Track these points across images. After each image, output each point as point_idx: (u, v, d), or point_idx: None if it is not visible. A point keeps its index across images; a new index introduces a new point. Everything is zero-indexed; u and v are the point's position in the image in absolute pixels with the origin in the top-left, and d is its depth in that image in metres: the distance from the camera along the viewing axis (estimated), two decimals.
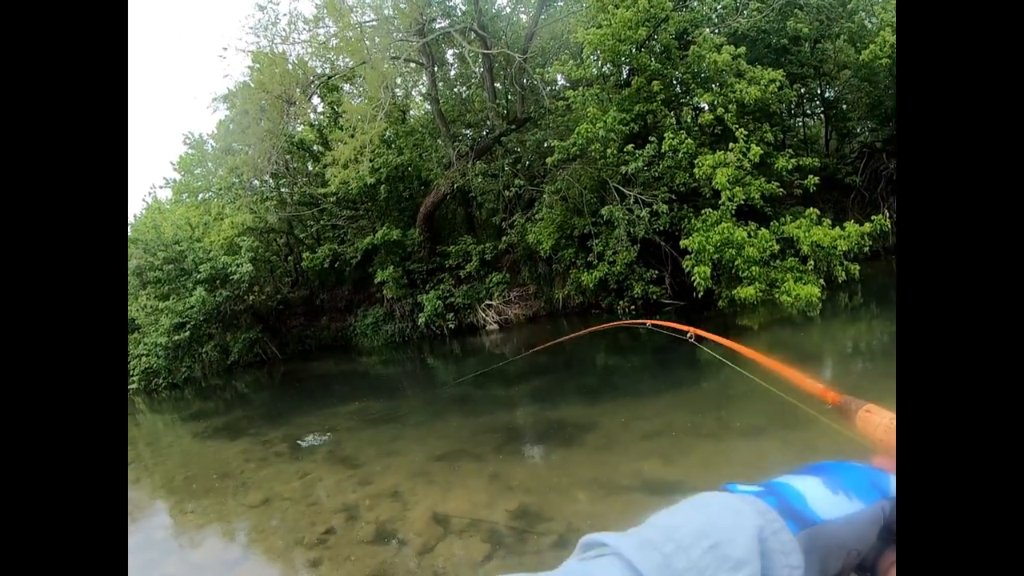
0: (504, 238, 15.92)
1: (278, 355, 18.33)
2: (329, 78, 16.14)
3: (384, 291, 17.01)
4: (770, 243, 11.52)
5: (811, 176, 12.39)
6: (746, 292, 11.15)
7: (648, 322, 3.43)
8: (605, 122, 12.55)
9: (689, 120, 13.08)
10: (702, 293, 11.74)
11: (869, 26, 15.19)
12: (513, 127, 15.82)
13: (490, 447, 6.91)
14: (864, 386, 7.21)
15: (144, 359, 16.63)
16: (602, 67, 15.18)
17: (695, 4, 14.13)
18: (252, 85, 16.12)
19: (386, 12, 14.85)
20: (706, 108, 13.35)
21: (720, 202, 11.84)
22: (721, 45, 12.60)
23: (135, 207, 26.17)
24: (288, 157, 17.83)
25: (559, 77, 15.99)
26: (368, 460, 7.12)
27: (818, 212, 11.97)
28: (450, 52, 17.61)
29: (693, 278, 11.77)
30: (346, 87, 17.78)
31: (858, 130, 18.17)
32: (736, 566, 0.50)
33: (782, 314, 10.97)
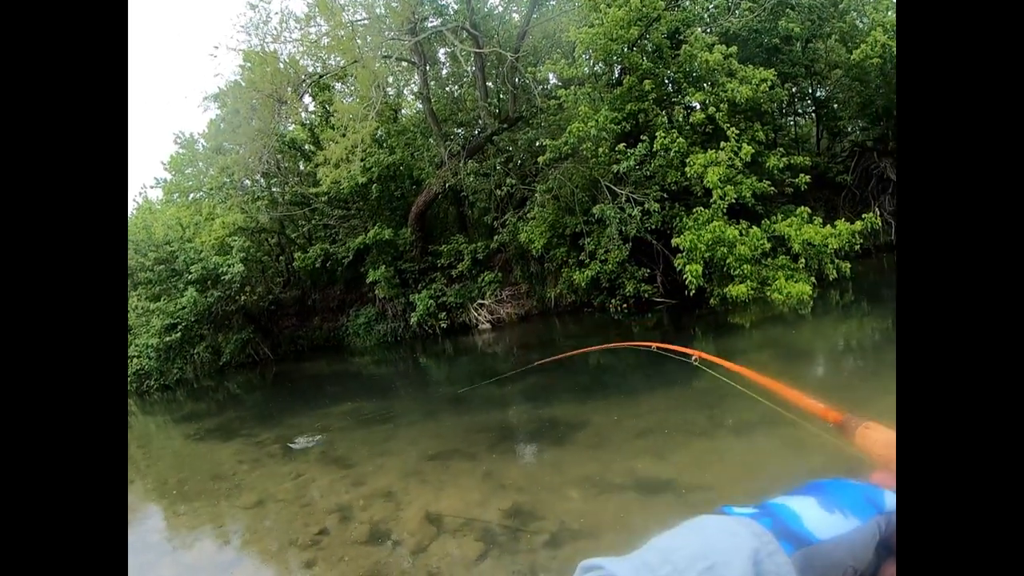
0: (496, 237, 15.92)
1: (270, 356, 18.26)
2: (320, 77, 16.08)
3: (376, 291, 16.97)
4: (761, 241, 11.56)
5: (802, 175, 12.45)
6: (738, 290, 11.20)
7: (653, 345, 3.45)
8: (597, 121, 12.56)
9: (681, 119, 13.12)
10: (694, 291, 11.78)
11: (860, 26, 15.29)
12: (505, 126, 15.82)
13: (483, 446, 6.92)
14: (855, 384, 7.27)
15: (135, 360, 16.53)
16: (594, 66, 15.20)
17: (687, 3, 14.16)
18: (243, 84, 16.05)
19: (378, 11, 14.82)
20: (698, 107, 13.40)
21: (711, 201, 11.89)
22: (713, 44, 12.64)
23: None
24: (279, 156, 17.76)
25: (551, 76, 16.02)
26: (361, 460, 7.11)
27: (809, 210, 12.03)
28: (442, 51, 17.59)
29: (685, 276, 11.80)
30: (337, 86, 17.73)
31: (849, 129, 18.26)
32: None
33: (774, 312, 11.02)
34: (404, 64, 17.18)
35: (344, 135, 13.71)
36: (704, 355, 2.64)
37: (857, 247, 11.69)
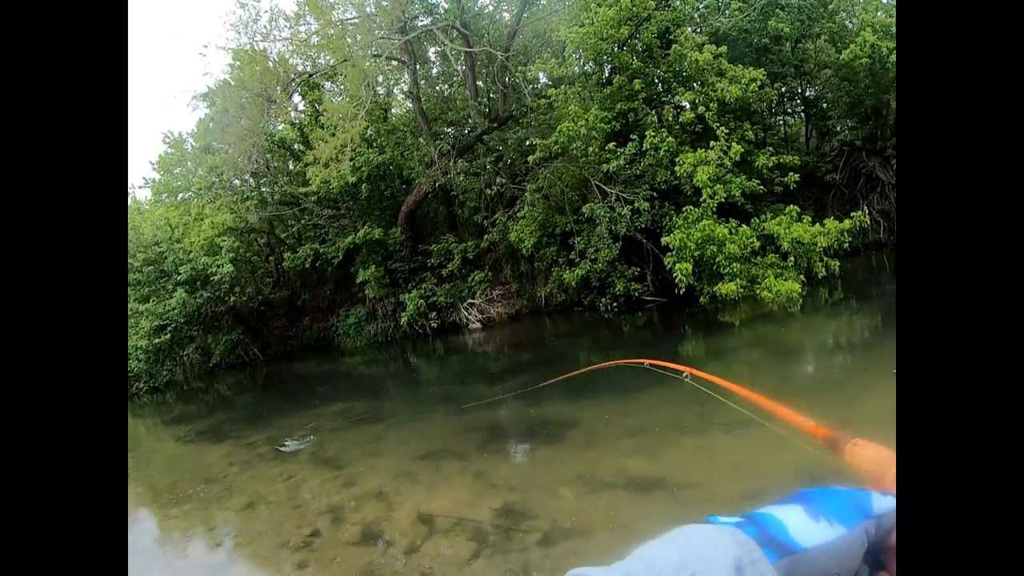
0: (486, 236, 15.91)
1: (260, 357, 18.18)
2: (310, 76, 16.01)
3: (366, 291, 16.93)
4: (751, 240, 11.62)
5: (791, 174, 12.54)
6: (727, 288, 11.25)
7: (646, 361, 3.49)
8: (587, 120, 12.58)
9: (670, 118, 13.16)
10: (684, 290, 11.83)
11: (850, 26, 15.42)
12: (495, 125, 15.81)
13: (473, 445, 6.92)
14: (844, 381, 7.32)
15: None
16: (584, 65, 15.23)
17: (677, 3, 14.19)
18: (232, 83, 15.95)
19: (368, 9, 14.76)
20: (687, 106, 13.45)
21: (701, 199, 11.93)
22: (703, 44, 12.69)
23: None
24: (269, 156, 17.68)
25: (541, 75, 16.02)
26: (352, 461, 7.10)
27: (798, 209, 12.10)
28: (432, 50, 17.56)
29: (675, 275, 11.84)
30: (327, 85, 17.66)
31: (838, 128, 18.38)
32: None
33: (763, 310, 11.08)
34: (394, 63, 17.12)
35: (334, 134, 13.65)
36: (696, 372, 2.65)
37: (846, 245, 11.77)
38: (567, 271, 14.07)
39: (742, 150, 12.02)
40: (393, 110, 19.31)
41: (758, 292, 11.16)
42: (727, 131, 12.23)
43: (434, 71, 18.50)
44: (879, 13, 14.62)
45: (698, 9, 14.78)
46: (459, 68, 16.92)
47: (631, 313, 13.60)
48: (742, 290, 11.29)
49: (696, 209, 12.04)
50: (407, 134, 17.63)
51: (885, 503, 0.65)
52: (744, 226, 11.87)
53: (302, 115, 17.87)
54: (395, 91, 19.53)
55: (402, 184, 17.64)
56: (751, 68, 12.86)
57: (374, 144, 16.89)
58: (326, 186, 15.03)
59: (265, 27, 14.98)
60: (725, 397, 2.27)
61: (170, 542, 5.94)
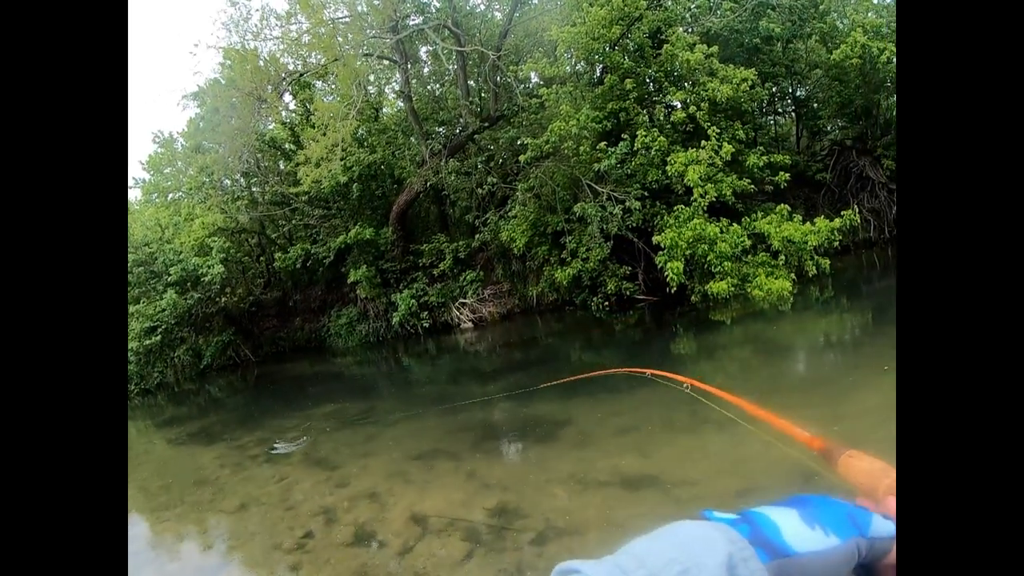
0: (477, 236, 15.90)
1: (251, 358, 18.09)
2: (301, 75, 15.94)
3: (357, 291, 16.89)
4: (742, 239, 11.68)
5: (782, 173, 12.61)
6: (718, 287, 11.31)
7: (648, 371, 3.52)
8: (578, 120, 12.59)
9: (662, 118, 13.21)
10: (675, 288, 11.87)
11: (840, 27, 15.52)
12: (486, 125, 15.80)
13: (466, 445, 6.91)
14: (834, 378, 7.35)
15: None
16: (576, 65, 15.26)
17: (669, 3, 14.23)
18: (223, 82, 15.87)
19: (359, 8, 14.72)
20: (679, 106, 13.50)
21: (692, 199, 11.98)
22: (694, 44, 12.74)
23: None
24: (259, 156, 17.61)
25: (533, 75, 16.02)
26: (344, 462, 7.08)
27: (789, 208, 12.16)
28: (423, 49, 17.53)
29: (666, 274, 11.88)
30: (318, 84, 17.61)
31: (828, 128, 18.48)
32: None
33: (754, 308, 11.12)
34: (385, 62, 17.07)
35: (325, 134, 13.61)
36: (696, 383, 2.68)
37: (836, 244, 11.86)
38: (559, 270, 14.08)
39: (733, 149, 12.08)
40: (384, 109, 19.27)
41: (749, 291, 11.22)
42: (718, 131, 12.28)
43: (425, 70, 18.47)
44: (870, 14, 14.73)
45: (689, 9, 14.82)
46: (450, 67, 16.91)
47: (623, 312, 13.62)
48: (733, 289, 11.35)
49: (687, 208, 12.08)
50: (398, 133, 17.60)
51: (884, 527, 0.65)
52: (735, 225, 11.93)
53: (293, 114, 17.81)
54: (386, 90, 19.50)
55: (393, 184, 17.59)
56: (742, 68, 12.92)
57: (365, 144, 16.84)
58: (317, 186, 14.96)
59: (256, 26, 14.91)
60: (724, 408, 2.29)
61: (162, 545, 5.91)
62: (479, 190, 15.49)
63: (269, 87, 14.55)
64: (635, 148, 12.66)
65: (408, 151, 16.97)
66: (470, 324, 16.08)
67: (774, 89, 16.79)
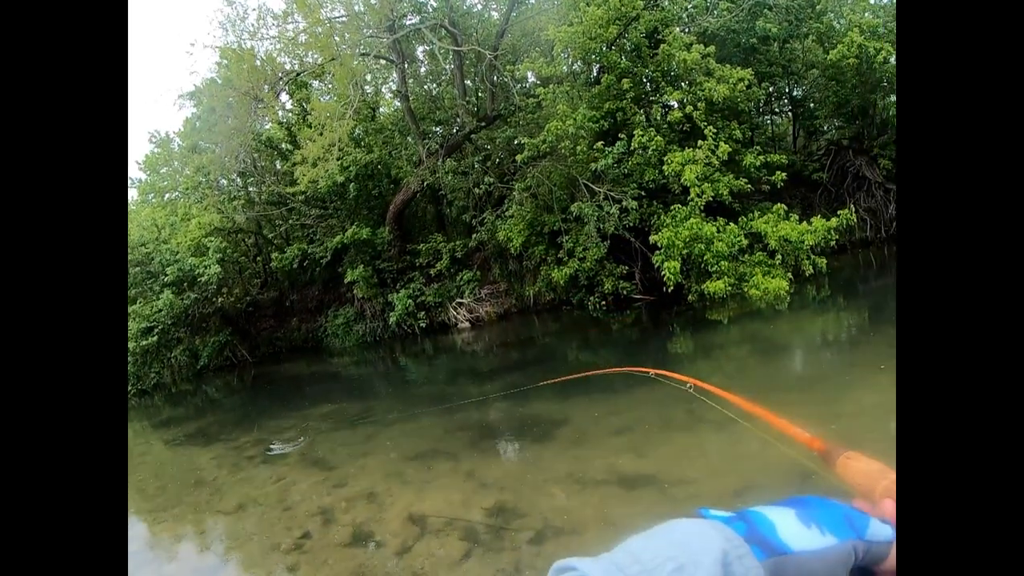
0: (474, 236, 15.89)
1: (248, 358, 18.05)
2: (298, 75, 15.92)
3: (354, 291, 16.87)
4: (738, 238, 11.70)
5: (779, 172, 12.63)
6: (715, 286, 11.33)
7: (652, 371, 3.55)
8: (575, 119, 12.60)
9: (658, 118, 13.24)
10: (672, 288, 11.89)
11: (837, 27, 15.56)
12: (483, 124, 15.80)
13: (464, 445, 6.91)
14: (831, 377, 7.37)
15: None
16: (572, 65, 15.26)
17: (666, 3, 14.25)
18: (219, 81, 15.84)
19: (356, 8, 14.69)
20: (675, 106, 13.53)
21: (689, 198, 11.99)
22: (691, 44, 12.75)
23: None
24: (256, 155, 17.58)
25: (529, 74, 16.03)
26: (342, 462, 7.07)
27: (786, 207, 12.19)
28: (420, 49, 17.52)
29: (663, 273, 11.90)
30: (315, 84, 17.58)
31: (825, 128, 18.52)
32: None
33: (751, 307, 11.14)
34: (382, 62, 17.06)
35: (321, 133, 13.59)
36: (699, 383, 2.69)
37: (833, 243, 11.88)
38: (555, 270, 14.09)
39: (730, 149, 12.10)
40: (381, 109, 19.26)
41: (746, 290, 11.25)
42: (715, 130, 12.31)
43: (422, 70, 18.46)
44: (866, 14, 14.77)
45: (686, 9, 14.85)
46: (447, 67, 16.89)
47: (619, 311, 13.64)
48: (730, 288, 11.37)
49: (684, 208, 12.10)
50: (395, 133, 17.58)
51: (882, 532, 0.65)
52: (732, 224, 11.95)
53: (290, 114, 17.78)
54: (383, 90, 19.49)
55: (390, 183, 17.58)
56: (739, 68, 12.95)
57: (362, 143, 16.83)
58: (314, 186, 14.95)
59: (253, 25, 14.89)
60: (725, 407, 2.30)
61: (160, 546, 5.90)
62: (476, 190, 15.49)
63: (266, 87, 14.52)
64: (632, 148, 12.67)
65: (405, 151, 16.95)
66: (467, 324, 16.08)
67: (771, 89, 16.84)
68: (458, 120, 16.76)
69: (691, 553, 0.53)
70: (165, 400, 15.27)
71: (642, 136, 12.53)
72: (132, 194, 21.64)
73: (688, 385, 2.77)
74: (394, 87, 18.22)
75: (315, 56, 15.02)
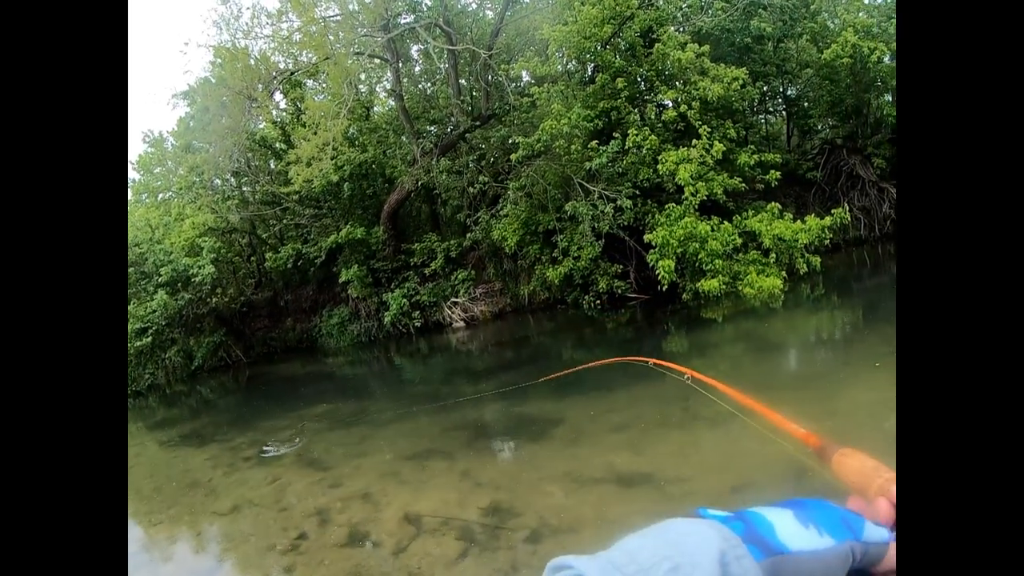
0: (469, 235, 15.89)
1: (243, 358, 18.00)
2: (292, 74, 15.89)
3: (349, 290, 16.84)
4: (733, 237, 11.73)
5: (773, 171, 12.67)
6: (710, 285, 11.35)
7: (650, 360, 3.55)
8: (569, 118, 12.61)
9: (653, 117, 13.23)
10: (666, 286, 11.91)
11: (831, 26, 15.63)
12: (478, 124, 15.79)
13: (459, 444, 6.90)
14: (826, 375, 7.39)
15: None
16: (567, 64, 15.27)
17: (660, 2, 14.28)
18: (213, 81, 15.79)
19: (351, 7, 14.67)
20: (670, 105, 13.54)
21: (683, 197, 12.02)
22: (685, 43, 12.77)
23: None
24: (250, 155, 17.53)
25: (524, 74, 16.03)
26: (337, 462, 7.06)
27: (780, 206, 12.23)
28: (415, 48, 17.50)
29: (657, 272, 11.92)
30: (309, 83, 17.55)
31: (819, 127, 18.60)
32: None
33: (745, 306, 11.17)
34: (376, 61, 17.05)
35: (316, 133, 13.57)
36: (696, 374, 2.70)
37: (827, 242, 11.93)
38: (550, 269, 14.10)
39: (724, 148, 12.14)
40: (375, 108, 19.24)
41: (740, 288, 11.28)
42: (709, 129, 12.33)
43: (417, 69, 18.44)
44: (860, 14, 14.84)
45: (681, 8, 14.87)
46: (442, 66, 16.89)
47: (614, 310, 13.65)
48: (724, 286, 11.40)
49: (678, 207, 12.12)
50: (389, 132, 17.56)
51: (877, 533, 0.65)
52: (726, 223, 11.98)
53: (284, 113, 17.73)
54: (377, 89, 19.47)
55: (384, 183, 17.55)
56: (733, 67, 12.97)
57: (356, 143, 16.80)
58: (308, 185, 14.91)
59: (247, 24, 14.89)
60: (722, 400, 2.30)
61: (156, 547, 5.87)
62: (470, 189, 15.48)
63: (260, 86, 14.51)
64: (626, 147, 12.69)
65: (399, 150, 16.93)
66: (462, 323, 16.07)
67: (765, 88, 16.88)
68: (452, 119, 16.76)
69: (688, 553, 0.53)
70: (160, 401, 15.21)
71: (636, 135, 12.55)
72: None
73: (686, 376, 2.78)
74: (388, 86, 18.22)
75: (309, 55, 15.01)
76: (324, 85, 17.02)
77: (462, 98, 16.24)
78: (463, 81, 16.63)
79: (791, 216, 12.05)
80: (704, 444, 5.54)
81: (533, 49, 15.15)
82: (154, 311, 15.74)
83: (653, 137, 12.52)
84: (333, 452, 7.52)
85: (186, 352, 17.41)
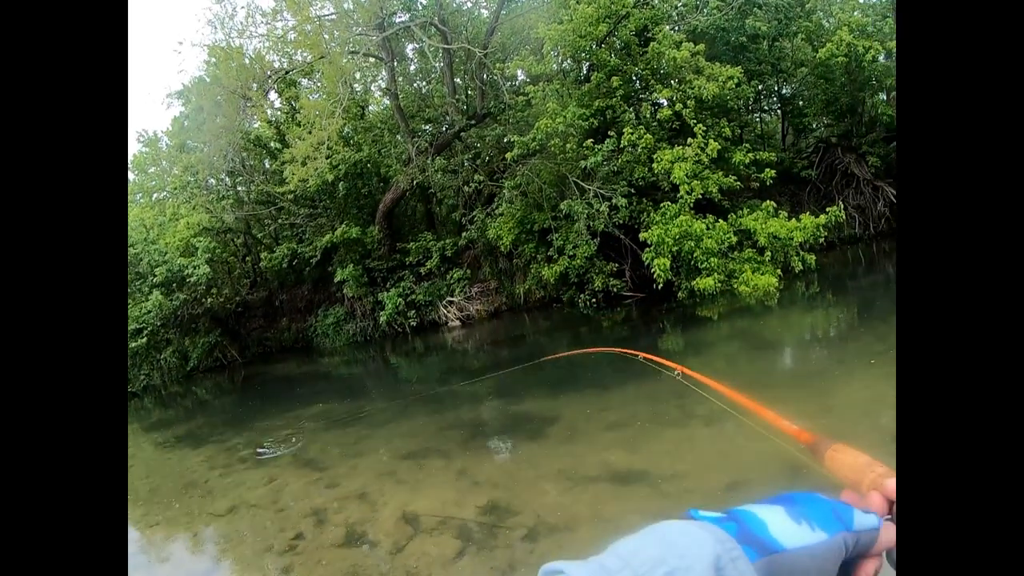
0: (464, 234, 15.88)
1: (238, 359, 17.96)
2: (287, 73, 15.85)
3: (344, 290, 16.82)
4: (728, 235, 11.76)
5: (768, 170, 12.71)
6: (705, 283, 11.38)
7: (640, 354, 3.53)
8: (565, 117, 12.62)
9: (648, 115, 13.26)
10: (662, 285, 11.93)
11: (826, 25, 15.67)
12: (473, 122, 15.78)
13: (456, 443, 6.91)
14: (821, 372, 7.41)
15: None
16: (562, 63, 15.28)
17: (656, 1, 14.29)
18: (208, 80, 15.74)
19: (345, 6, 14.65)
20: (665, 104, 13.56)
21: (679, 195, 12.04)
22: (680, 42, 12.80)
23: None
24: (245, 154, 17.48)
25: (519, 72, 16.02)
26: (334, 462, 7.05)
27: (775, 204, 12.27)
28: (410, 47, 17.46)
29: (653, 270, 11.94)
30: (304, 82, 17.51)
31: (814, 126, 18.63)
32: None
33: (740, 304, 11.19)
34: (371, 60, 17.00)
35: (311, 132, 13.55)
36: (687, 371, 2.70)
37: (822, 240, 11.97)
38: (546, 268, 14.11)
39: (719, 147, 12.16)
40: (370, 107, 19.20)
41: (735, 286, 11.31)
42: (704, 128, 12.35)
43: (412, 68, 18.40)
44: (855, 12, 14.88)
45: (676, 7, 14.90)
46: (437, 65, 16.87)
47: (610, 309, 13.67)
48: (720, 285, 11.43)
49: (674, 205, 12.15)
50: (384, 131, 17.53)
51: (867, 521, 0.65)
52: (721, 222, 12.01)
53: (279, 113, 17.70)
54: (372, 88, 19.41)
55: (380, 182, 17.53)
56: (728, 66, 13.02)
57: (351, 142, 16.77)
58: (303, 185, 14.87)
59: (241, 23, 14.84)
60: (713, 396, 2.31)
61: (153, 548, 5.86)
62: (466, 188, 15.47)
63: (254, 85, 14.47)
64: (622, 145, 12.70)
65: (394, 149, 16.90)
66: (458, 322, 16.07)
67: (760, 87, 16.91)
68: (448, 118, 16.74)
69: (683, 556, 0.52)
70: (155, 402, 15.17)
71: (632, 134, 12.57)
72: None
73: (677, 372, 2.78)
74: (383, 85, 18.15)
75: (304, 54, 14.98)
76: (319, 84, 16.99)
77: (457, 97, 16.22)
78: (458, 80, 16.61)
79: (786, 214, 12.09)
80: (699, 441, 5.55)
81: (528, 48, 15.13)
82: (149, 311, 15.69)
83: (648, 136, 12.54)
84: (329, 452, 7.51)
85: (181, 353, 17.37)
